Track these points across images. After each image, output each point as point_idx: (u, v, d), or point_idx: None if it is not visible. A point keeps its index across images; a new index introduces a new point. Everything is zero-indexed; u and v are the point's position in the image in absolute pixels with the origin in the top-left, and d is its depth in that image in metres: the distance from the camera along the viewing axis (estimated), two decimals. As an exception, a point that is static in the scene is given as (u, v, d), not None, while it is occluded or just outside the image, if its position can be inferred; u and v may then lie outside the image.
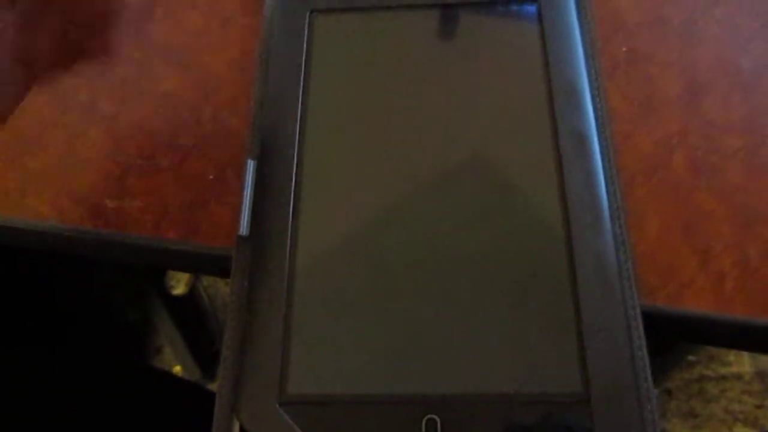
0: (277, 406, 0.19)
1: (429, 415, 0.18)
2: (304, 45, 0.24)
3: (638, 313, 0.19)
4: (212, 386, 0.75)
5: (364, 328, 0.20)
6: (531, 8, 0.25)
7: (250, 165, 0.22)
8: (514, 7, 0.25)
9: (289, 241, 0.21)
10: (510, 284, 0.20)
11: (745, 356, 0.80)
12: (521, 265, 0.21)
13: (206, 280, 0.79)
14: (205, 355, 0.78)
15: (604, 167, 0.22)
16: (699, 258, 0.22)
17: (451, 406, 0.19)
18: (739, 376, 0.79)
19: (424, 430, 0.18)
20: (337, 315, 0.20)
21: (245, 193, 0.22)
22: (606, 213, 0.21)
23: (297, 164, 0.22)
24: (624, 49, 0.26)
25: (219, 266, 0.23)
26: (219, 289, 0.81)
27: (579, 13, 0.24)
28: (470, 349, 0.19)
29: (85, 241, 0.24)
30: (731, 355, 0.80)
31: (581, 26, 0.24)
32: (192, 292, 0.75)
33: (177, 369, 0.78)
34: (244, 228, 0.21)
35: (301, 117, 0.23)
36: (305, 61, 0.24)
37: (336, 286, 0.21)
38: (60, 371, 0.40)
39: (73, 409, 0.36)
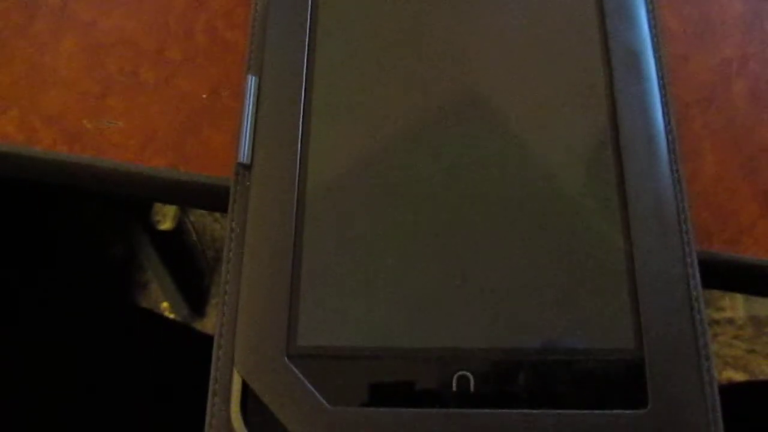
0: (286, 359, 0.16)
1: (460, 372, 0.16)
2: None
3: (695, 260, 0.17)
4: (200, 324, 0.74)
5: (385, 272, 0.17)
6: None
7: (251, 81, 0.19)
8: None
9: (297, 170, 0.18)
10: (552, 225, 0.18)
11: (740, 301, 0.79)
12: (565, 202, 0.18)
13: (194, 215, 0.76)
14: (193, 291, 0.76)
15: (660, 92, 0.19)
16: (761, 200, 0.19)
17: (486, 362, 0.16)
18: (731, 321, 0.79)
19: (455, 388, 0.16)
20: (354, 256, 0.17)
21: (245, 113, 0.19)
22: (663, 145, 0.18)
23: (305, 81, 0.19)
24: (680, -41, 0.23)
25: (214, 198, 0.20)
26: (207, 225, 0.78)
27: None
28: (507, 298, 0.17)
29: (59, 167, 0.21)
30: (725, 299, 0.80)
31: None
32: (179, 227, 0.73)
33: (164, 305, 0.76)
34: (244, 155, 0.18)
35: (310, 26, 0.20)
36: (315, -39, 0.21)
37: (351, 222, 0.18)
38: (43, 300, 0.38)
39: (55, 344, 0.35)
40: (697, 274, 0.17)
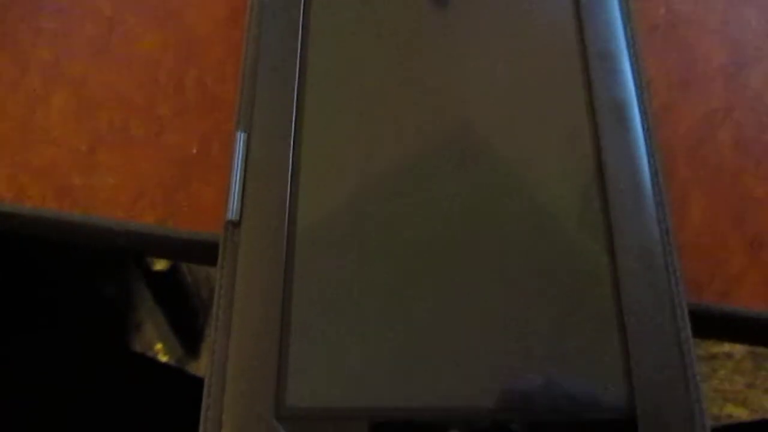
0: (274, 420, 0.16)
1: None
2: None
3: (686, 314, 0.17)
4: (194, 365, 0.73)
5: (374, 331, 0.17)
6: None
7: (240, 138, 0.19)
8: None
9: (286, 227, 0.18)
10: (540, 278, 0.18)
11: (738, 335, 0.79)
12: (553, 255, 0.18)
13: (188, 256, 0.76)
14: (187, 332, 0.76)
15: (645, 141, 0.19)
16: (749, 249, 0.19)
17: (478, 422, 0.16)
18: (730, 356, 0.79)
19: None
20: (343, 315, 0.17)
21: (234, 170, 0.19)
22: (649, 195, 0.18)
23: (294, 136, 0.19)
24: (662, 10, 0.23)
25: (203, 254, 0.20)
26: (201, 266, 0.78)
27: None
28: (499, 358, 0.17)
29: (48, 224, 0.21)
30: (723, 335, 0.79)
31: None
32: (173, 267, 0.72)
33: (158, 347, 0.76)
34: (233, 211, 0.18)
35: (298, 82, 0.20)
36: (303, 17, 0.21)
37: (341, 280, 0.18)
38: (37, 354, 0.38)
39: (46, 388, 0.35)
40: (688, 328, 0.17)
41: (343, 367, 0.17)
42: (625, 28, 0.21)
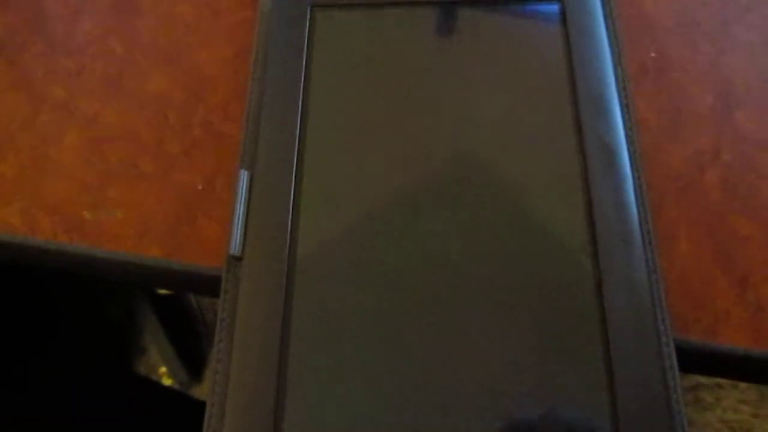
0: (271, 452, 0.17)
1: None
2: (305, 43, 0.22)
3: (673, 352, 0.17)
4: (198, 389, 0.73)
5: (370, 364, 0.18)
6: (553, 7, 0.23)
7: (244, 176, 0.20)
8: (535, 7, 0.23)
9: (286, 263, 0.19)
10: (529, 314, 0.18)
11: (742, 365, 0.78)
12: (543, 291, 0.18)
13: (193, 280, 0.76)
14: (192, 356, 0.76)
15: (634, 183, 0.20)
16: (736, 288, 0.20)
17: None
18: (735, 385, 0.78)
19: None
20: (340, 349, 0.18)
21: (237, 207, 0.20)
22: (637, 235, 0.19)
23: (296, 176, 0.20)
24: (652, 54, 0.24)
25: (206, 287, 0.21)
26: (206, 290, 0.78)
27: (605, 13, 0.22)
28: (493, 397, 0.17)
29: (59, 257, 0.21)
30: (728, 363, 0.79)
31: (607, 27, 0.22)
32: (178, 292, 0.73)
33: (162, 370, 0.76)
34: (235, 247, 0.19)
35: (300, 123, 0.21)
36: (306, 60, 0.22)
37: (339, 318, 0.18)
38: (42, 376, 0.38)
39: (51, 412, 0.35)
40: (675, 365, 0.17)
41: (339, 406, 0.17)
42: (615, 71, 0.21)
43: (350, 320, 0.18)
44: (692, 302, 0.20)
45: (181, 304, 0.75)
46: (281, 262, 0.19)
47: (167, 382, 0.75)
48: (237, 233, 0.19)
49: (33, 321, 0.48)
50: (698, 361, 0.19)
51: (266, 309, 0.18)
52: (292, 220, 0.19)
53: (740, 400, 0.77)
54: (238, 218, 0.19)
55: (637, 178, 0.20)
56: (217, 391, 0.18)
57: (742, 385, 0.77)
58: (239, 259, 0.19)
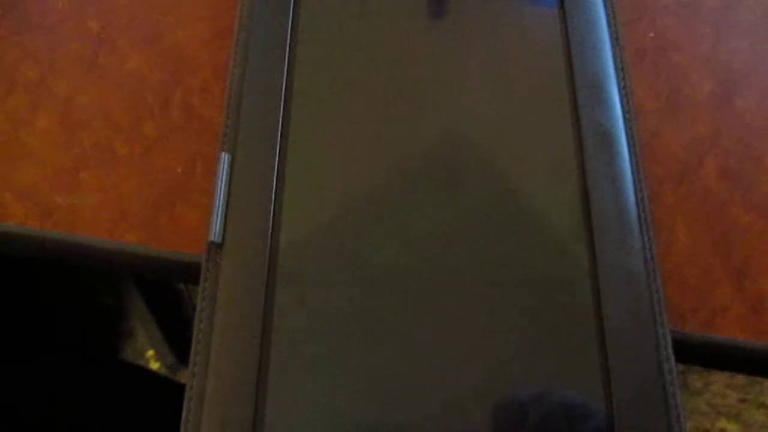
0: (251, 449, 0.16)
1: None
2: (289, 21, 0.21)
3: (669, 343, 0.17)
4: (186, 373, 0.73)
5: (356, 357, 0.17)
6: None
7: (225, 159, 0.19)
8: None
9: (268, 249, 0.18)
10: (523, 303, 0.18)
11: (731, 349, 0.79)
12: (538, 280, 0.18)
13: (181, 264, 0.76)
14: (179, 339, 0.75)
15: (631, 168, 0.19)
16: (733, 279, 0.19)
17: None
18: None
19: None
20: (323, 341, 0.17)
21: (218, 191, 0.19)
22: (634, 224, 0.18)
23: (279, 159, 0.19)
24: (651, 35, 0.23)
25: (185, 274, 0.20)
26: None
27: (602, -7, 0.22)
28: (482, 396, 0.17)
29: (30, 243, 0.20)
30: (717, 348, 0.79)
31: (606, 8, 0.21)
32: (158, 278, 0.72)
33: (150, 353, 0.75)
34: (215, 233, 0.18)
35: (284, 104, 0.20)
36: (290, 39, 0.21)
37: (322, 305, 0.18)
38: (29, 361, 0.38)
39: (38, 400, 0.35)
40: (672, 357, 0.17)
41: (319, 402, 0.17)
42: (613, 54, 0.21)
43: (334, 308, 0.18)
44: (689, 294, 0.19)
45: (169, 288, 0.74)
46: (263, 249, 0.18)
47: (155, 365, 0.74)
48: (217, 219, 0.18)
49: (17, 307, 0.47)
50: (695, 353, 0.19)
51: (247, 297, 0.18)
52: (274, 204, 0.19)
53: (728, 385, 0.77)
54: (219, 203, 0.19)
55: (634, 164, 0.19)
56: (197, 382, 0.17)
57: (731, 369, 0.78)
58: (219, 245, 0.18)
